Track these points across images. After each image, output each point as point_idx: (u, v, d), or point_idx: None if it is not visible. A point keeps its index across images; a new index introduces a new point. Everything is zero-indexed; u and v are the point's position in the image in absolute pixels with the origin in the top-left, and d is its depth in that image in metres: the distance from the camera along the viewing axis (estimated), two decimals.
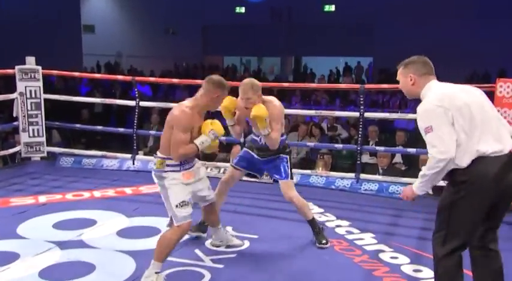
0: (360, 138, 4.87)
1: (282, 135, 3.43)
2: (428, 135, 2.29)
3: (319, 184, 5.10)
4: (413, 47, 16.35)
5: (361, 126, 4.83)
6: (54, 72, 6.09)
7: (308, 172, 5.27)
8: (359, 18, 16.86)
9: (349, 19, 17.03)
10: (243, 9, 19.66)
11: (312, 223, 3.56)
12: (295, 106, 9.35)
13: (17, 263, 3.14)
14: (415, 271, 3.16)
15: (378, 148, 5.34)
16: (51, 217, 3.99)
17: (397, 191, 4.80)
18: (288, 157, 3.51)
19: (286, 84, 8.01)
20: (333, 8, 18.34)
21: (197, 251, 3.38)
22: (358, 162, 4.89)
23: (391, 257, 3.36)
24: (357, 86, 5.39)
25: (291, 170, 3.51)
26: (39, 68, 5.59)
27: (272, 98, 3.44)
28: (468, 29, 15.20)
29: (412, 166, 5.65)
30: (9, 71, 5.54)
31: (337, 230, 3.88)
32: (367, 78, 17.37)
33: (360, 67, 18.45)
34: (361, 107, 4.79)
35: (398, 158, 5.91)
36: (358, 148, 4.86)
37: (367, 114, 4.90)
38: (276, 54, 20.49)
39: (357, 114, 4.91)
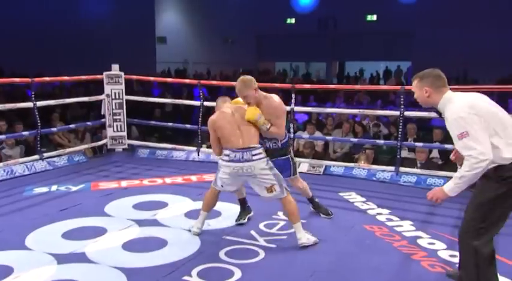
0: (399, 135, 4.71)
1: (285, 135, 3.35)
2: (465, 140, 2.22)
3: (362, 176, 4.99)
4: (449, 52, 15.78)
5: (401, 124, 4.68)
6: (134, 77, 6.29)
7: (351, 165, 5.17)
8: (398, 26, 16.34)
9: (389, 27, 16.55)
10: (293, 20, 19.54)
11: (312, 200, 3.74)
12: (340, 106, 9.17)
13: (105, 236, 3.30)
14: (451, 256, 3.03)
15: (416, 143, 5.15)
16: (131, 199, 4.14)
17: (435, 183, 4.61)
18: (289, 156, 3.43)
19: (332, 86, 7.88)
20: (374, 17, 17.87)
21: (252, 232, 3.40)
22: (398, 156, 4.73)
23: (429, 243, 3.24)
24: (398, 87, 5.22)
25: (294, 166, 3.47)
26: (122, 73, 5.79)
27: (271, 95, 3.30)
28: (504, 34, 14.31)
29: (449, 161, 5.41)
30: (99, 76, 5.79)
31: (378, 217, 3.78)
32: (406, 81, 16.79)
33: (399, 71, 17.86)
34: (401, 106, 4.63)
35: (435, 154, 5.68)
36: (398, 144, 4.70)
37: (406, 113, 4.73)
38: (321, 60, 20.23)
39: (397, 113, 4.76)
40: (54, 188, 4.43)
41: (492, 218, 2.31)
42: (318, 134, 6.58)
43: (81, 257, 2.94)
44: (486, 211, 2.31)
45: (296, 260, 2.97)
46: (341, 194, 4.40)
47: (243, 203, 3.64)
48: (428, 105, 2.47)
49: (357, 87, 8.70)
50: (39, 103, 4.99)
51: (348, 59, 20.29)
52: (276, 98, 3.26)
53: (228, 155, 3.11)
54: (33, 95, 4.91)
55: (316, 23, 18.38)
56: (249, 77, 3.24)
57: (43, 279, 2.66)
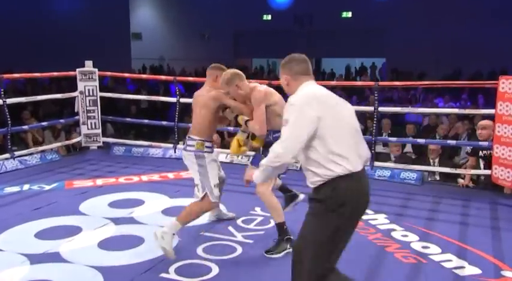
0: (374, 130, 4.80)
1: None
2: (284, 127, 1.93)
3: None
4: (422, 49, 16.07)
5: (375, 119, 4.76)
6: (108, 73, 6.20)
7: None
8: (373, 23, 16.58)
9: (364, 24, 16.77)
10: (269, 17, 19.57)
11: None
12: None
13: (80, 235, 3.25)
14: (424, 247, 3.12)
15: (390, 138, 5.25)
16: (106, 197, 4.09)
17: (408, 177, 4.72)
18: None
19: None
20: (349, 14, 18.07)
21: (230, 228, 3.41)
22: (373, 151, 4.82)
23: (402, 236, 3.32)
24: (372, 83, 5.30)
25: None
26: (96, 70, 5.69)
27: (257, 85, 3.04)
28: (474, 30, 14.72)
29: (421, 155, 5.55)
30: (72, 73, 5.68)
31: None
32: (380, 77, 17.08)
33: (374, 67, 18.16)
34: (376, 102, 4.72)
35: (408, 148, 5.81)
36: (373, 138, 4.79)
37: (381, 109, 4.82)
38: None
39: (371, 108, 4.84)
40: (26, 187, 4.32)
41: (336, 253, 1.95)
42: None
43: (55, 257, 2.88)
44: (330, 250, 1.93)
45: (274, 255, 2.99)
46: None
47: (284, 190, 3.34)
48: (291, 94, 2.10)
49: (333, 83, 8.79)
50: (9, 100, 4.85)
51: (324, 55, 20.47)
52: (259, 88, 2.97)
53: None
54: (2, 92, 4.77)
55: (292, 19, 18.45)
56: (230, 74, 2.99)
57: (15, 280, 2.60)
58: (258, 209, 3.80)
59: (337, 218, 1.88)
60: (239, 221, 3.53)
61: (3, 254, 2.92)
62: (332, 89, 2.39)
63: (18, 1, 15.14)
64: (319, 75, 18.44)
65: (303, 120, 1.89)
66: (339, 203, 1.87)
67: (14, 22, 14.45)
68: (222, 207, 3.59)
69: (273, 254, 2.95)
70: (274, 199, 3.05)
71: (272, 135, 3.00)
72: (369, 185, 1.98)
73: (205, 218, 3.56)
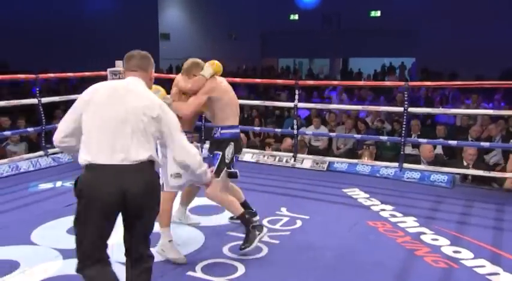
0: (403, 131, 4.71)
1: (232, 128, 2.97)
2: None
3: (365, 172, 4.99)
4: (453, 48, 15.65)
5: (405, 120, 4.67)
6: None
7: (355, 161, 5.17)
8: (402, 22, 16.27)
9: (393, 23, 16.48)
10: (296, 17, 19.50)
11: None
12: (344, 102, 9.14)
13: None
14: (455, 252, 3.03)
15: (420, 139, 5.13)
16: None
17: (438, 179, 4.61)
18: (222, 153, 2.93)
19: (335, 82, 7.88)
20: (378, 13, 17.80)
21: None
22: (402, 152, 4.73)
23: (432, 239, 3.24)
24: (401, 83, 5.20)
25: (219, 167, 2.91)
26: None
27: (222, 79, 3.08)
28: (507, 29, 14.24)
29: (453, 157, 5.40)
30: (102, 72, 5.81)
31: (382, 213, 3.78)
32: (410, 77, 16.74)
33: (403, 67, 17.81)
34: (405, 102, 4.62)
35: (438, 150, 5.67)
36: (402, 140, 4.70)
37: (410, 109, 4.72)
38: (325, 56, 20.18)
39: (401, 109, 4.75)
40: (58, 184, 4.45)
41: (86, 242, 1.94)
42: (323, 128, 6.62)
43: None
44: (79, 237, 1.96)
45: (300, 256, 2.98)
46: (344, 190, 4.40)
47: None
48: None
49: (361, 83, 8.68)
50: (44, 99, 5.02)
51: (352, 55, 20.25)
52: (216, 80, 3.01)
53: None
54: (38, 92, 4.93)
55: (320, 19, 18.32)
56: (189, 63, 3.04)
57: (49, 274, 2.68)
58: (284, 210, 3.79)
59: (77, 205, 1.96)
60: (265, 222, 3.53)
61: (38, 248, 3.01)
62: (360, 88, 2.35)
63: (52, 3, 15.63)
64: (346, 75, 18.26)
65: (72, 108, 2.07)
66: (77, 192, 1.95)
67: (49, 24, 14.92)
68: (188, 213, 3.49)
69: (247, 247, 2.89)
70: (226, 196, 2.98)
71: (220, 131, 2.95)
72: (122, 179, 1.91)
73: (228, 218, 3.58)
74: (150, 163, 2.00)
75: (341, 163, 5.16)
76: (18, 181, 4.55)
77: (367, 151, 5.64)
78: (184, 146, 2.11)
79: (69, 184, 4.45)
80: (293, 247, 3.10)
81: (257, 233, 2.93)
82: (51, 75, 5.98)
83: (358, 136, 5.65)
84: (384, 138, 5.52)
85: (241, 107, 7.94)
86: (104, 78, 5.84)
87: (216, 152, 2.95)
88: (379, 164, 4.96)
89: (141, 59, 2.15)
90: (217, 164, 2.91)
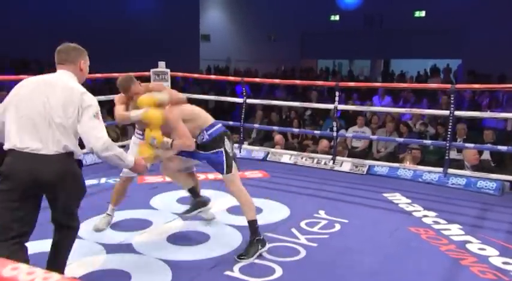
0: (449, 135, 4.53)
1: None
2: None
3: (407, 177, 4.85)
4: (502, 49, 14.92)
5: (451, 123, 4.50)
6: (180, 74, 6.42)
7: (396, 165, 5.04)
8: (448, 22, 15.70)
9: (439, 23, 15.94)
10: (337, 17, 19.28)
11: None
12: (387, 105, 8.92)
13: (150, 228, 3.42)
14: (504, 263, 2.89)
15: (467, 144, 4.93)
16: (175, 193, 4.23)
17: (486, 186, 4.41)
18: (222, 149, 2.92)
19: (378, 84, 7.72)
20: (423, 13, 17.28)
21: (293, 230, 3.39)
22: (447, 157, 4.56)
23: (479, 249, 3.10)
24: (448, 86, 5.01)
25: (228, 162, 2.93)
26: (168, 70, 5.92)
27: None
28: None
29: (501, 164, 5.16)
30: (146, 73, 5.97)
31: (424, 220, 3.66)
32: (455, 79, 16.12)
33: (448, 69, 17.16)
34: (451, 105, 4.45)
35: (486, 155, 5.42)
36: (448, 144, 4.53)
37: (457, 113, 4.54)
38: (366, 57, 19.82)
39: (447, 112, 4.58)
40: (103, 180, 4.61)
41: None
42: (365, 129, 6.52)
43: (128, 248, 3.04)
44: None
45: (339, 260, 2.93)
46: (385, 194, 4.30)
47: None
48: None
49: (404, 85, 8.45)
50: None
51: (394, 56, 19.76)
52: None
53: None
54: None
55: (361, 19, 18.01)
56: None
57: (94, 267, 2.78)
58: (322, 213, 3.75)
59: None
60: (302, 224, 3.51)
61: (84, 242, 3.13)
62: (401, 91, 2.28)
63: (97, 3, 16.21)
64: (388, 77, 17.82)
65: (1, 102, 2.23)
66: None
67: (93, 24, 15.49)
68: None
69: (244, 259, 2.85)
70: (248, 196, 3.00)
71: (206, 133, 2.94)
72: (35, 168, 2.09)
73: (269, 219, 3.59)
74: (65, 154, 2.17)
75: (382, 167, 5.04)
76: None
77: (410, 155, 5.48)
78: (90, 131, 2.21)
79: (112, 181, 4.61)
80: (332, 251, 3.06)
81: (259, 247, 2.92)
82: (98, 75, 6.20)
83: (401, 139, 5.50)
84: (428, 142, 5.34)
85: (279, 108, 8.01)
86: (147, 78, 6.01)
87: (216, 150, 2.92)
88: (422, 169, 4.81)
89: (68, 52, 2.27)
90: (224, 161, 2.90)
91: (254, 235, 2.94)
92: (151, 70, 5.89)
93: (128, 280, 2.62)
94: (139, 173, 2.56)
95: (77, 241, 3.13)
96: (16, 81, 2.38)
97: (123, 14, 17.24)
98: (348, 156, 5.55)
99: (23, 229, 2.12)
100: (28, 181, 2.08)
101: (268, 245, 2.99)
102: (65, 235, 2.32)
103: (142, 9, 17.94)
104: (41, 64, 11.95)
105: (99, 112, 2.24)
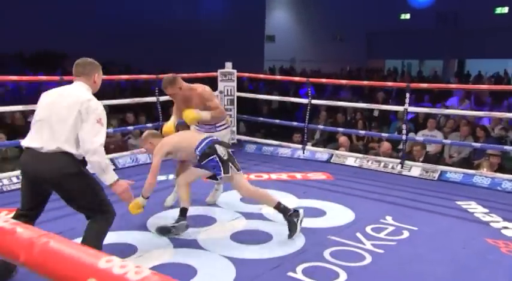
0: None
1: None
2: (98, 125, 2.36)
3: (484, 184, 4.53)
4: None
5: None
6: (246, 74, 6.51)
7: (472, 171, 4.73)
8: None
9: None
10: (408, 16, 18.51)
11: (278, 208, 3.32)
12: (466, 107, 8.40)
13: (215, 225, 3.49)
14: None
15: None
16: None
17: None
18: (215, 155, 3.15)
19: (453, 86, 7.31)
20: (505, 9, 16.03)
21: (358, 234, 3.30)
22: None
23: None
24: None
25: (224, 164, 3.15)
26: (235, 71, 6.03)
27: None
28: None
29: None
30: (213, 73, 6.12)
31: (504, 231, 3.40)
32: None
33: None
34: None
35: None
36: None
37: None
38: (438, 57, 18.81)
39: None
40: (171, 176, 4.79)
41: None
42: (436, 132, 6.20)
43: (194, 244, 3.13)
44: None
45: (408, 268, 2.81)
46: (459, 203, 4.05)
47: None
48: None
49: (484, 87, 7.89)
50: (162, 98, 5.45)
51: (470, 56, 18.57)
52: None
53: None
54: (157, 91, 5.38)
55: (433, 18, 17.15)
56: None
57: (162, 260, 2.89)
58: (389, 218, 3.61)
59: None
60: (368, 229, 3.40)
61: (152, 235, 3.27)
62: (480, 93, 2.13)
63: (168, 8, 16.92)
64: (462, 78, 16.77)
65: None
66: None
67: (165, 27, 16.21)
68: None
69: (293, 234, 3.14)
70: (258, 190, 3.31)
71: (197, 150, 3.22)
72: (42, 162, 2.35)
73: (332, 222, 3.52)
74: (64, 153, 2.34)
75: (455, 173, 4.76)
76: (137, 171, 4.98)
77: (487, 161, 5.12)
78: (89, 134, 2.35)
79: None
80: (399, 258, 2.94)
81: (295, 219, 3.16)
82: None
83: (478, 145, 5.15)
84: (509, 148, 4.95)
85: (344, 109, 7.82)
86: (212, 79, 6.16)
87: (209, 158, 3.16)
88: (502, 177, 4.46)
89: (84, 66, 2.51)
90: (220, 165, 3.14)
91: (286, 213, 3.18)
92: (219, 71, 6.02)
93: (194, 274, 2.69)
94: (122, 198, 2.61)
95: (146, 233, 3.30)
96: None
97: (194, 16, 17.83)
98: (423, 160, 5.29)
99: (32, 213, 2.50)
100: (32, 177, 2.41)
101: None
102: (89, 227, 2.50)
103: (210, 11, 18.46)
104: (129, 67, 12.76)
105: (103, 118, 2.39)
